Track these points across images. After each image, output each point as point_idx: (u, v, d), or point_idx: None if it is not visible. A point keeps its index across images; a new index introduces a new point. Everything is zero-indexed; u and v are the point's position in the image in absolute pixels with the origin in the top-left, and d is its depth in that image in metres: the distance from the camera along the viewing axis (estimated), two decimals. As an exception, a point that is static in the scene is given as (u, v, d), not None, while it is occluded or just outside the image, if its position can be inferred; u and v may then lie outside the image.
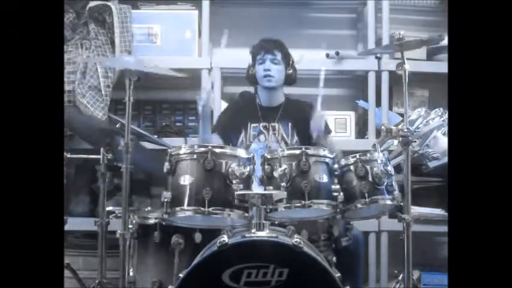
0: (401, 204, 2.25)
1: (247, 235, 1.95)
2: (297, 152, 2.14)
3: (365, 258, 2.95)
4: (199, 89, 2.77)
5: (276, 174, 2.10)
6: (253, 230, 1.97)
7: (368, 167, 2.21)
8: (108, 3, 3.20)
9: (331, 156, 2.18)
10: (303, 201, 2.07)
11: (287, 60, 2.81)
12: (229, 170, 2.06)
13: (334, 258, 2.22)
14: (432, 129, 2.91)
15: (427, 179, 3.21)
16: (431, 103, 3.44)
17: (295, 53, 2.88)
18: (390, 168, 2.27)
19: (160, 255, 2.28)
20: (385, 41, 3.28)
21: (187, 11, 3.35)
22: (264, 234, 1.96)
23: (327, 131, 2.80)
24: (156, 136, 2.88)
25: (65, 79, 3.04)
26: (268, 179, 2.14)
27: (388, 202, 2.23)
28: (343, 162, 2.24)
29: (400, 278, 2.35)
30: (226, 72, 3.34)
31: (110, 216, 2.50)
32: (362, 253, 2.62)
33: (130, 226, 2.21)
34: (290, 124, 2.81)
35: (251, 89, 2.96)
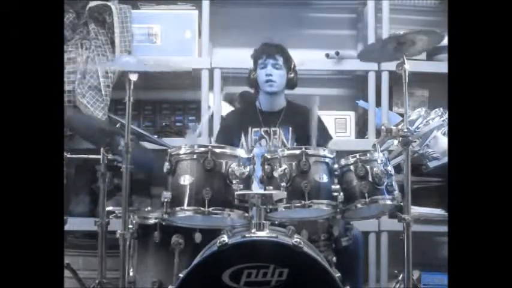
0: (401, 204, 2.25)
1: (247, 235, 1.95)
2: (297, 152, 2.13)
3: (365, 258, 2.95)
4: (199, 89, 2.76)
5: (276, 174, 2.10)
6: (253, 230, 1.97)
7: (368, 167, 2.21)
8: (108, 3, 3.20)
9: (331, 156, 2.18)
10: (303, 201, 2.07)
11: (289, 64, 2.80)
12: (229, 170, 2.05)
13: (334, 258, 2.22)
14: (432, 129, 2.90)
15: (427, 179, 3.21)
16: (431, 103, 3.44)
17: (295, 53, 2.87)
18: (390, 168, 2.27)
19: (160, 255, 2.28)
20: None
21: (187, 11, 3.34)
22: (264, 234, 1.96)
23: (328, 137, 2.80)
24: (156, 136, 2.87)
25: (65, 79, 3.03)
26: (268, 179, 2.14)
27: (388, 202, 2.23)
28: (343, 162, 2.24)
29: (400, 278, 2.35)
30: (226, 72, 3.34)
31: (110, 216, 2.50)
32: (362, 253, 2.62)
33: (130, 226, 2.21)
34: (291, 129, 2.80)
35: (251, 89, 2.96)
